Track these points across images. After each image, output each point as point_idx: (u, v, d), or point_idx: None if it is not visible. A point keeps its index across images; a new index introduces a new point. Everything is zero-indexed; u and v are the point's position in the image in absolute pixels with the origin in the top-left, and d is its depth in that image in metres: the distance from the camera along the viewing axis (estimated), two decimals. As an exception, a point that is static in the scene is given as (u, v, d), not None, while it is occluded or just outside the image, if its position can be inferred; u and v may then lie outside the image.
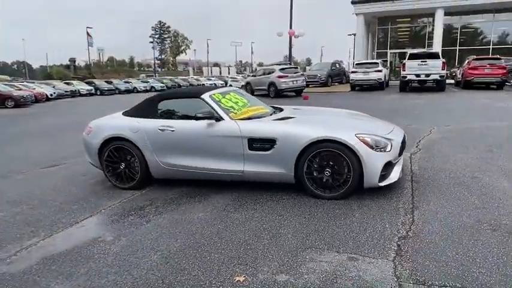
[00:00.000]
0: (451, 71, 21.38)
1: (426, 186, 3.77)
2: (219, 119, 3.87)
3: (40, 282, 2.37)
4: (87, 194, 4.21)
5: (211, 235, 2.94)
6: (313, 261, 2.44)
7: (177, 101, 4.35)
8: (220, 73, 65.70)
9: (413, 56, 16.65)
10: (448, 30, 25.16)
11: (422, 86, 17.05)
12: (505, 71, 15.28)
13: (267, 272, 2.33)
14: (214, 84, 48.48)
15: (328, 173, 3.52)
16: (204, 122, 3.90)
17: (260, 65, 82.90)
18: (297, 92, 17.93)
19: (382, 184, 3.48)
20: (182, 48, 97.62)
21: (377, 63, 18.52)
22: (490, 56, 16.92)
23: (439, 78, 15.30)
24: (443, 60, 15.62)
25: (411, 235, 2.72)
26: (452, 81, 19.82)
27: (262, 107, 4.56)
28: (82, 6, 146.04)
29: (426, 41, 26.17)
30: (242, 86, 20.87)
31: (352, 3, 26.15)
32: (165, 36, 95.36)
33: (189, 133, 3.95)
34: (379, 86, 17.96)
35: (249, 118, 4.03)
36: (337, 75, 23.88)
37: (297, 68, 19.22)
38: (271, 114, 4.33)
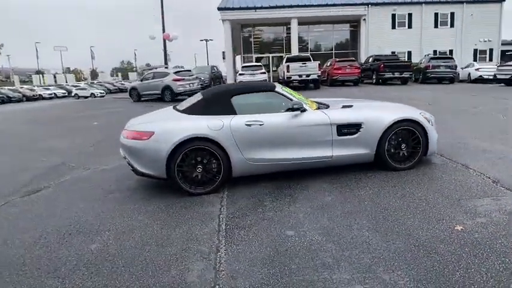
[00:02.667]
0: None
1: (447, 154, 4.93)
2: (303, 110, 4.04)
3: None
4: (164, 208, 3.63)
5: (373, 208, 3.23)
6: (477, 206, 3.13)
7: (250, 96, 4.23)
8: (56, 81, 56.89)
9: (289, 60, 19.10)
10: (301, 37, 29.42)
11: (301, 85, 19.71)
12: (359, 71, 19.38)
13: (468, 220, 2.89)
14: (54, 94, 41.93)
15: (404, 148, 4.25)
16: (289, 114, 4.01)
17: (94, 72, 74.56)
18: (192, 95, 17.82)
19: (436, 151, 4.45)
20: (-12, 53, 79.01)
21: (261, 65, 20.35)
22: (349, 58, 21.07)
23: (316, 77, 18.12)
24: (319, 62, 18.59)
25: (496, 180, 3.74)
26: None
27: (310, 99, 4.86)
28: None
29: (284, 47, 29.99)
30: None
31: (219, 9, 27.43)
32: (-41, 38, 74.84)
33: (277, 125, 3.96)
34: (264, 86, 19.72)
35: (318, 108, 4.33)
36: (217, 78, 24.75)
37: (190, 70, 19.06)
38: (320, 106, 4.67)
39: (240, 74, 19.58)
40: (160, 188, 4.16)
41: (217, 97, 4.19)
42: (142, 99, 18.26)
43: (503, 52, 28.50)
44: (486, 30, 27.23)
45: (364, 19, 27.37)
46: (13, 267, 2.64)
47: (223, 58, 37.18)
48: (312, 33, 30.24)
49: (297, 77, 18.04)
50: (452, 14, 27.38)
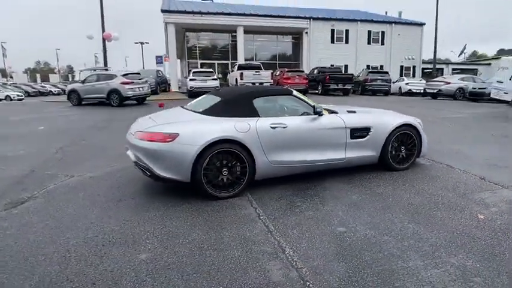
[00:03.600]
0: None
1: (428, 156, 5.48)
2: (321, 113, 4.23)
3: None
4: (195, 213, 3.50)
5: (399, 204, 3.52)
6: (483, 199, 3.62)
7: (269, 98, 4.28)
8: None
9: (241, 67, 19.43)
10: (246, 45, 29.87)
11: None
12: (307, 81, 20.39)
13: (484, 210, 3.33)
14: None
15: (403, 150, 4.67)
16: (309, 117, 4.17)
17: (3, 71, 65.38)
18: (140, 100, 16.97)
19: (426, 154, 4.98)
20: None
21: (212, 72, 20.25)
22: (297, 69, 22.06)
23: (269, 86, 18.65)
24: (272, 71, 19.15)
25: (482, 177, 4.33)
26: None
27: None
28: None
29: (230, 54, 30.25)
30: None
31: (162, 11, 26.69)
32: None
33: (299, 128, 4.08)
34: (216, 93, 19.68)
35: (330, 113, 4.56)
36: (163, 83, 23.97)
37: (139, 73, 18.13)
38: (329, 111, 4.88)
39: (191, 80, 19.26)
40: (174, 193, 3.97)
41: (238, 99, 4.17)
42: (84, 102, 16.90)
43: (423, 69, 32.37)
44: (410, 49, 30.76)
45: (306, 32, 28.92)
46: (58, 286, 2.34)
47: (157, 63, 36.07)
48: (256, 42, 30.94)
49: (250, 85, 18.33)
50: (383, 32, 30.37)
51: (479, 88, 15.63)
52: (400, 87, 22.69)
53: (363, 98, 19.55)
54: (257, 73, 18.35)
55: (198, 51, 30.17)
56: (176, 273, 2.43)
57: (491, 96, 12.83)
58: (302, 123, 4.13)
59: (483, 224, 3.05)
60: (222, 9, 27.53)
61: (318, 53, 29.02)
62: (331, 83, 20.11)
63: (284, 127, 3.99)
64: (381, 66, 30.04)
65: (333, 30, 29.49)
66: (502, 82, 11.74)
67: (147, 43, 52.85)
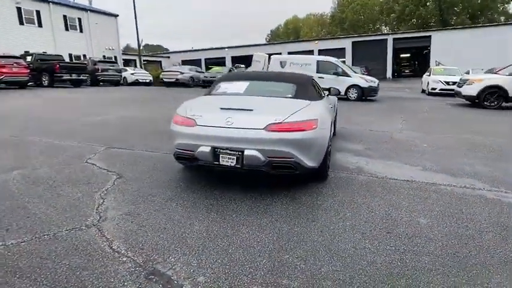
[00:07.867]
0: None
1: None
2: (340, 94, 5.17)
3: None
4: (322, 208, 3.61)
5: (417, 152, 5.32)
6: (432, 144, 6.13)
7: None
8: None
9: None
10: None
11: None
12: (29, 71, 16.15)
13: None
14: None
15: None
16: (327, 97, 4.96)
17: None
18: None
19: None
20: None
21: None
22: (13, 55, 16.39)
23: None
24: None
25: (394, 131, 6.93)
26: None
27: None
28: None
29: None
30: None
31: None
32: None
33: (334, 107, 4.80)
34: None
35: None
36: None
37: None
38: None
39: None
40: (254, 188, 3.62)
41: (308, 83, 4.25)
42: None
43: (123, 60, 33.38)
44: (110, 40, 30.64)
45: (-20, 6, 21.80)
46: None
47: None
48: None
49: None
50: (79, 19, 28.12)
51: (210, 77, 19.29)
52: (125, 78, 22.87)
53: (101, 89, 18.28)
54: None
55: None
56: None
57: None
58: (331, 102, 4.86)
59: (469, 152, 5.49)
60: None
61: (4, 36, 22.84)
62: (64, 73, 17.22)
63: (332, 106, 4.60)
64: (84, 56, 28.14)
65: (19, 9, 23.98)
66: (258, 72, 15.60)
67: None
